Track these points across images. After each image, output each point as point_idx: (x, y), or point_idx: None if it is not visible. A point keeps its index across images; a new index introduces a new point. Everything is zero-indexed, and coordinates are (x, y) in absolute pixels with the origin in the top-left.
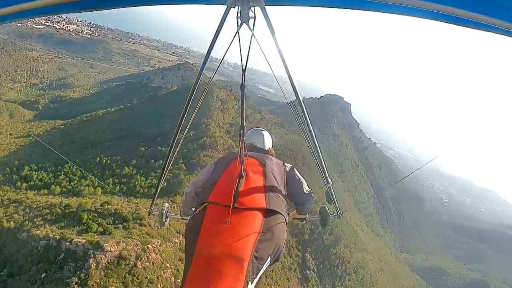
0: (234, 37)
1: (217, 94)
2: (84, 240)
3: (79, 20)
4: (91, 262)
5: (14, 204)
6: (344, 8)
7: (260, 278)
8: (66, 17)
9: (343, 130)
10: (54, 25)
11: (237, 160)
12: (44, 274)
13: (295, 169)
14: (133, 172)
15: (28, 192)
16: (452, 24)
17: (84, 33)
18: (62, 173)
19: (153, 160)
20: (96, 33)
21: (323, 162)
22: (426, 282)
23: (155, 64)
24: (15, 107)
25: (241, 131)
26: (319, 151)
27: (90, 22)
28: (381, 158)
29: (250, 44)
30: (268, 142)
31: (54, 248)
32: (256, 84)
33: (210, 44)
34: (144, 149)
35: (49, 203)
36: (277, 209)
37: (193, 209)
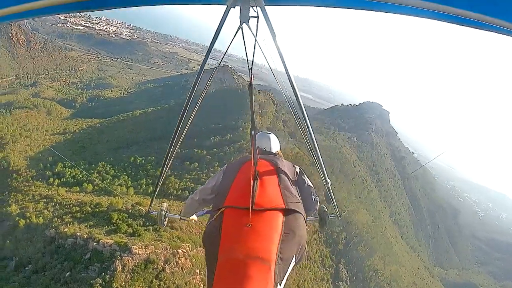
0: (234, 37)
1: (256, 97)
2: (112, 241)
3: (118, 22)
4: (117, 264)
5: (45, 200)
6: (344, 8)
7: (287, 279)
8: (106, 18)
9: (381, 138)
10: (94, 26)
11: (248, 163)
12: (68, 273)
13: (303, 172)
14: (167, 174)
15: (59, 188)
16: (454, 24)
17: (124, 34)
18: (96, 171)
19: (188, 162)
20: (135, 35)
21: (322, 162)
22: None
23: (194, 67)
24: (52, 104)
25: (252, 132)
26: (318, 151)
27: (130, 24)
28: (417, 166)
29: (255, 43)
30: (275, 145)
31: (81, 247)
32: None
33: (210, 44)
34: (179, 150)
35: (79, 201)
36: (296, 208)
37: (201, 210)
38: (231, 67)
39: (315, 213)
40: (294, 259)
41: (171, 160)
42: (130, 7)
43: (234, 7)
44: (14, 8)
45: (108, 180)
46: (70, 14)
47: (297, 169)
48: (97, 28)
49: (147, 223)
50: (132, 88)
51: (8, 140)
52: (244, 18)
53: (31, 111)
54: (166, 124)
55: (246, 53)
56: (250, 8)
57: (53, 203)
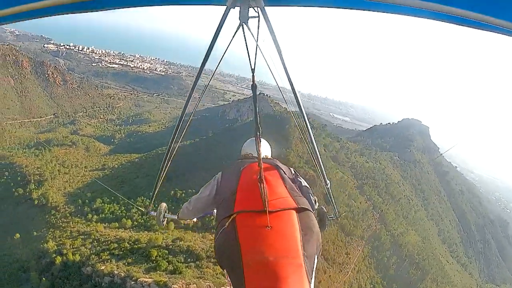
0: (233, 37)
1: (295, 123)
2: (150, 280)
3: (152, 58)
4: None
5: (82, 237)
6: (344, 8)
7: (315, 277)
8: (140, 55)
9: (423, 155)
10: (128, 63)
11: (247, 167)
12: None
13: (298, 173)
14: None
15: (98, 224)
16: (454, 24)
17: (158, 70)
18: (135, 205)
19: None
20: (170, 70)
21: (321, 164)
22: None
23: (230, 98)
24: (91, 141)
25: (257, 134)
26: (318, 152)
27: (163, 60)
28: (462, 183)
29: (256, 44)
30: (267, 150)
31: (118, 286)
32: (331, 114)
33: (210, 45)
34: None
35: (118, 237)
36: (306, 206)
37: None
38: (267, 95)
39: (314, 214)
40: (316, 257)
41: (170, 160)
42: (130, 7)
43: (234, 8)
44: (15, 8)
45: (148, 215)
46: (104, 53)
47: (292, 171)
48: (131, 65)
49: (189, 259)
50: (170, 122)
51: (47, 177)
52: (244, 19)
53: (69, 148)
54: (205, 155)
55: (249, 54)
56: (250, 9)
57: (91, 240)
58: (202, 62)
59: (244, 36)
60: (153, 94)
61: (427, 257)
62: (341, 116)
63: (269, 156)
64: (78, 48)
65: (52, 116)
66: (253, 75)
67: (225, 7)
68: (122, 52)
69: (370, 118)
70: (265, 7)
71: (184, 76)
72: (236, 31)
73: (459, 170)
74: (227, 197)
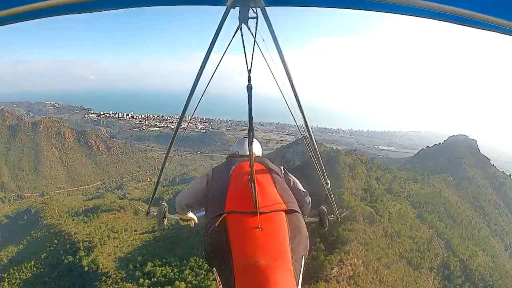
0: (232, 37)
1: (343, 160)
2: None
3: (190, 117)
4: None
5: None
6: (344, 8)
7: (301, 279)
8: (178, 116)
9: (476, 169)
10: (169, 125)
11: (238, 166)
12: None
13: (287, 171)
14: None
15: None
16: (454, 24)
17: (199, 128)
18: (188, 267)
19: None
20: (210, 127)
21: (322, 163)
22: None
23: (273, 147)
24: (139, 204)
25: (250, 133)
26: (318, 152)
27: (203, 118)
28: None
29: (254, 44)
30: (258, 149)
31: None
32: (376, 146)
33: (210, 45)
34: None
35: None
36: (296, 208)
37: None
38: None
39: (309, 207)
40: (303, 259)
41: (170, 160)
42: (130, 8)
43: (234, 8)
44: (18, 8)
45: (202, 276)
46: (144, 117)
47: (283, 169)
48: (172, 126)
49: None
50: None
51: (96, 243)
52: (244, 19)
53: (118, 212)
54: None
55: (245, 54)
56: (250, 9)
57: None
58: (202, 62)
59: (242, 36)
60: (197, 152)
61: (500, 277)
62: (386, 146)
63: (260, 156)
64: (118, 115)
65: (99, 182)
66: (249, 75)
67: (225, 7)
68: (162, 115)
69: (415, 143)
70: (265, 7)
71: (224, 130)
72: (236, 31)
73: None
74: (217, 195)
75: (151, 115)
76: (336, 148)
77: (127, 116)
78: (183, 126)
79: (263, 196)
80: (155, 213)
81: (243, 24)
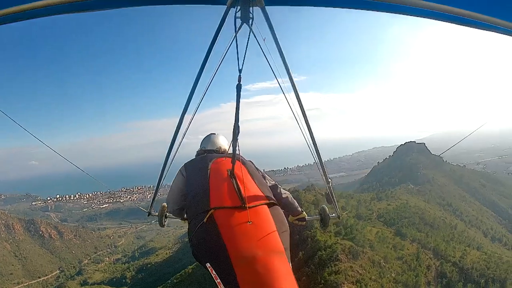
0: (234, 37)
1: (305, 198)
2: None
3: (139, 188)
4: None
5: None
6: (344, 8)
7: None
8: (126, 189)
9: (433, 171)
10: (118, 200)
11: (215, 162)
12: None
13: (254, 163)
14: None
15: None
16: (454, 24)
17: (148, 197)
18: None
19: None
20: (159, 193)
21: (322, 163)
22: None
23: None
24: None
25: (236, 131)
26: (319, 151)
27: (150, 186)
28: (478, 177)
29: (247, 43)
30: (224, 143)
31: None
32: (310, 179)
33: (210, 44)
34: None
35: None
36: (274, 201)
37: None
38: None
39: (293, 200)
40: (289, 249)
41: (172, 160)
42: (129, 7)
43: (234, 7)
44: (15, 8)
45: None
46: (92, 196)
47: (254, 164)
48: (121, 200)
49: None
50: (176, 244)
51: None
52: (244, 18)
53: None
54: None
55: (238, 53)
56: (250, 8)
57: None
58: (203, 62)
59: (236, 35)
60: (151, 221)
61: (496, 266)
62: (336, 173)
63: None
64: (65, 197)
65: (57, 271)
66: (239, 75)
67: (225, 7)
68: (110, 190)
69: (363, 163)
70: (265, 7)
71: None
72: (238, 31)
73: (467, 166)
74: (199, 192)
75: (98, 193)
76: (294, 187)
77: (75, 197)
78: (184, 127)
79: (247, 191)
80: (156, 213)
81: (243, 23)
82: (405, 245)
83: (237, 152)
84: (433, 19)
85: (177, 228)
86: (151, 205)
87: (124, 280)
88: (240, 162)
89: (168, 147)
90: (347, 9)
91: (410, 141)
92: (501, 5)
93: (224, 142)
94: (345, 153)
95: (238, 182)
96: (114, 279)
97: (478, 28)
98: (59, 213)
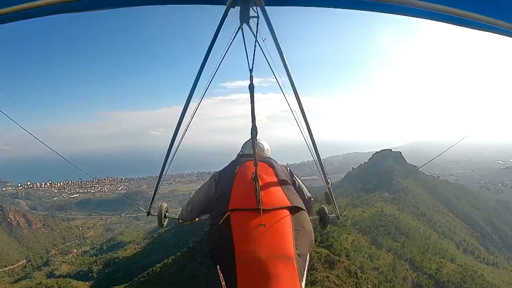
0: (234, 36)
1: None
2: None
3: (110, 179)
4: None
5: None
6: (344, 8)
7: (306, 276)
8: (98, 179)
9: (409, 180)
10: (89, 190)
11: (243, 166)
12: None
13: (293, 173)
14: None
15: None
16: (453, 24)
17: (120, 189)
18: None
19: None
20: (131, 186)
21: (322, 163)
22: None
23: None
24: (67, 282)
25: (253, 133)
26: (319, 153)
27: (122, 178)
28: (452, 188)
29: (255, 44)
30: (264, 151)
31: None
32: (299, 178)
33: (210, 44)
34: None
35: None
36: (300, 205)
37: (203, 218)
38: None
39: (312, 212)
40: (308, 256)
41: (171, 160)
42: (129, 7)
43: (234, 7)
44: (15, 7)
45: None
46: (63, 185)
47: (289, 170)
48: (92, 191)
49: None
50: (145, 239)
51: None
52: (244, 18)
53: None
54: (193, 271)
55: (247, 54)
56: (250, 8)
57: None
58: (203, 62)
59: (243, 35)
60: (121, 214)
61: (472, 279)
62: (309, 176)
63: (267, 155)
64: (36, 185)
65: (24, 261)
66: (251, 75)
67: (225, 7)
68: (80, 180)
69: (336, 167)
70: (266, 7)
71: (145, 188)
72: (237, 31)
73: (440, 177)
74: (222, 195)
75: (70, 182)
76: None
77: (46, 185)
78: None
79: (268, 194)
80: (156, 213)
81: (244, 23)
82: (381, 254)
83: (267, 156)
84: (431, 19)
85: (147, 222)
86: (150, 204)
87: (90, 274)
88: (267, 165)
89: (168, 148)
90: (347, 10)
91: (386, 149)
92: (500, 5)
93: (264, 147)
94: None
95: (261, 184)
96: (81, 272)
97: (477, 29)
98: (29, 201)
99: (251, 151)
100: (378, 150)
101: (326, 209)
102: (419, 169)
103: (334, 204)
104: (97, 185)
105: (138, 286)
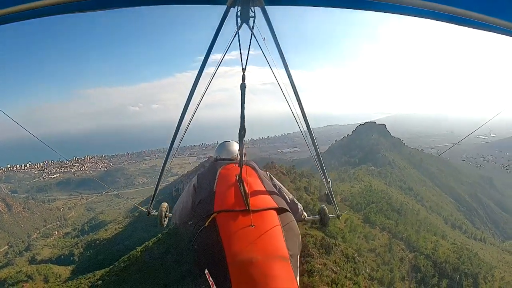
0: (234, 36)
1: None
2: None
3: (90, 158)
4: None
5: None
6: (344, 8)
7: (298, 276)
8: (78, 158)
9: (393, 153)
10: (69, 169)
11: (224, 169)
12: None
13: (272, 176)
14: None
15: None
16: (453, 24)
17: (100, 167)
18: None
19: None
20: (111, 163)
21: (322, 163)
22: None
23: (177, 172)
24: (48, 268)
25: (241, 133)
26: (319, 152)
27: (102, 155)
28: (436, 162)
29: (250, 43)
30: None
31: None
32: (280, 150)
33: (210, 44)
34: None
35: None
36: (285, 206)
37: (190, 222)
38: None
39: (301, 215)
40: (298, 256)
41: (171, 160)
42: (129, 7)
43: (234, 7)
44: (15, 8)
45: None
46: (43, 165)
47: (268, 174)
48: (73, 170)
49: None
50: (126, 218)
51: None
52: (244, 18)
53: (27, 283)
54: (176, 257)
55: (241, 53)
56: (250, 8)
57: None
58: (203, 62)
59: (238, 35)
60: (101, 192)
61: (468, 259)
62: (289, 148)
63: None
64: (16, 167)
65: (6, 247)
66: (243, 74)
67: (225, 7)
68: (60, 160)
69: (316, 140)
70: (266, 7)
71: (126, 165)
72: (237, 30)
73: (425, 151)
74: (204, 198)
75: (50, 162)
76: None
77: (26, 167)
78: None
79: (253, 196)
80: (156, 213)
81: (243, 23)
82: (376, 234)
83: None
84: (433, 19)
85: (128, 200)
86: (150, 204)
87: (72, 258)
88: (250, 167)
89: (168, 147)
90: (347, 10)
91: (371, 121)
92: (501, 5)
93: (235, 151)
94: (298, 129)
95: (246, 186)
96: (62, 256)
97: (478, 28)
98: (9, 184)
99: (228, 155)
100: (359, 122)
101: (326, 209)
102: (404, 143)
103: (334, 204)
104: (77, 164)
105: (118, 272)
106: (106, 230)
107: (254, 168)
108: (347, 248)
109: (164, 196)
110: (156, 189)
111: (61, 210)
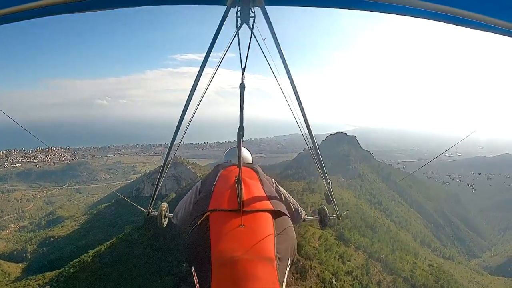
0: (234, 36)
1: None
2: None
3: (54, 149)
4: None
5: None
6: (344, 8)
7: (286, 282)
8: (41, 148)
9: (363, 165)
10: (31, 160)
11: (225, 170)
12: None
13: (278, 184)
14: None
15: None
16: (453, 24)
17: (63, 159)
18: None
19: None
20: (75, 156)
21: (322, 163)
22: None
23: (141, 170)
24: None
25: (240, 133)
26: (319, 152)
27: (66, 147)
28: (403, 176)
29: (249, 43)
30: (247, 157)
31: None
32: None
33: (210, 44)
34: None
35: None
36: (283, 210)
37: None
38: (181, 157)
39: (300, 220)
40: (289, 261)
41: (171, 160)
42: (128, 7)
43: (234, 7)
44: (15, 8)
45: None
46: (5, 153)
47: (273, 181)
48: (35, 160)
49: None
50: (84, 215)
51: None
52: (244, 18)
53: None
54: (129, 267)
55: (240, 53)
56: (250, 8)
57: None
58: (203, 62)
59: (238, 35)
60: (62, 186)
61: (446, 282)
62: (255, 154)
63: (251, 163)
64: None
65: None
66: (242, 74)
67: (225, 7)
68: (24, 148)
69: (283, 147)
70: (266, 7)
71: (89, 159)
72: (237, 30)
73: (394, 166)
74: (202, 197)
75: (13, 151)
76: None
77: None
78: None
79: (249, 197)
80: (156, 213)
81: (243, 23)
82: (352, 254)
83: (252, 163)
84: (431, 19)
85: (88, 196)
86: (150, 204)
87: (24, 254)
88: (252, 170)
89: (168, 148)
90: (347, 10)
91: (341, 132)
92: (501, 5)
93: (247, 155)
94: (266, 135)
95: (243, 187)
96: (15, 252)
97: (476, 29)
98: None
99: (234, 158)
100: (329, 132)
101: (326, 209)
102: (373, 156)
103: (334, 204)
104: (40, 155)
105: (67, 278)
106: (62, 226)
107: (256, 171)
108: (323, 272)
109: (127, 196)
110: (156, 189)
111: (20, 201)
